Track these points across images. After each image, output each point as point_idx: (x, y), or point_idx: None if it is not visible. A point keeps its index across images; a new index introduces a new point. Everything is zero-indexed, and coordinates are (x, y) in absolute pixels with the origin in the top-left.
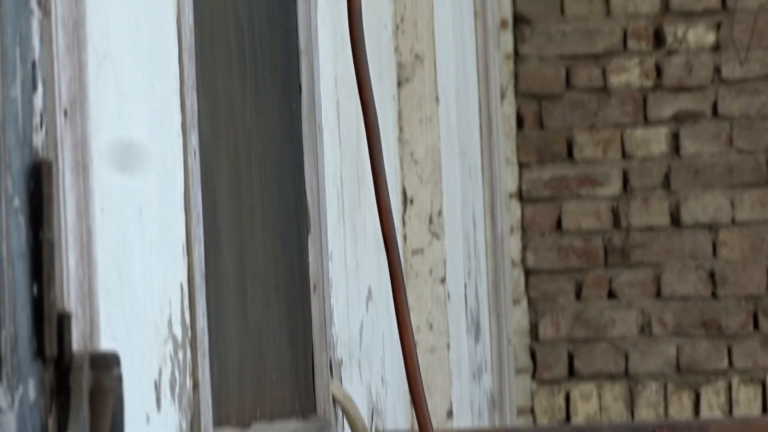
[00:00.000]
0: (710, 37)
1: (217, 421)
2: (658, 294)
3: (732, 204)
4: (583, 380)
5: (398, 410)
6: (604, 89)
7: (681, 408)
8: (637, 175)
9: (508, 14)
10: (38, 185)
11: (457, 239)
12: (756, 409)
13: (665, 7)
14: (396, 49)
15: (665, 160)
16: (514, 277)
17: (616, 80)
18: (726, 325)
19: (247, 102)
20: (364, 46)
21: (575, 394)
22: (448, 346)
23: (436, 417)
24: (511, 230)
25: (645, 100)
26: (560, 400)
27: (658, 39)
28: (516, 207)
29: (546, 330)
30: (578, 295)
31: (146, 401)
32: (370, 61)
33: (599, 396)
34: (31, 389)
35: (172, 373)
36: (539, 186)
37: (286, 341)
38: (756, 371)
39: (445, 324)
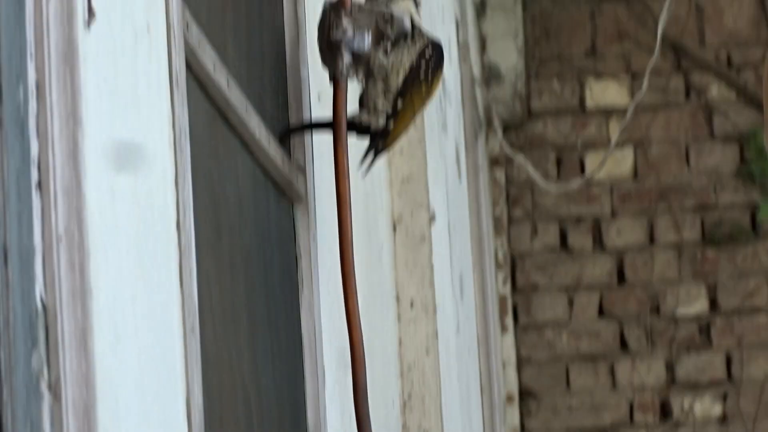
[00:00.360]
0: (717, 409)
1: None
2: None
3: None
4: None
5: None
6: None
7: None
8: None
9: (514, 388)
10: None
11: None
12: None
13: (671, 379)
14: (404, 427)
15: None
16: None
17: None
18: None
19: None
20: (370, 425)
21: None
22: None
23: None
24: None
25: None
26: None
27: (665, 411)
28: None
29: None
30: None
31: None
32: None
33: None
34: None
35: None
36: None
37: None
38: None
39: None
